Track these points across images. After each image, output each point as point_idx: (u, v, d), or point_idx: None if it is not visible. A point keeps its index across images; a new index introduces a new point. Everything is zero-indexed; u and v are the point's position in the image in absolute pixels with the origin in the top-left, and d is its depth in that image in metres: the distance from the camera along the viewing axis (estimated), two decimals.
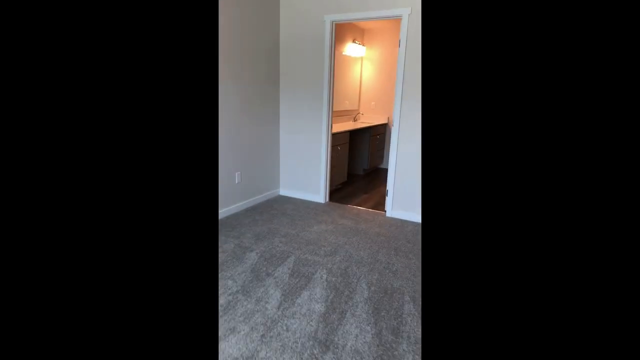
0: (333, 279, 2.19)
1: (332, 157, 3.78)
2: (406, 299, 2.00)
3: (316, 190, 3.75)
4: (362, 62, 5.53)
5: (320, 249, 2.61)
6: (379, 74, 5.46)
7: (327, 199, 3.79)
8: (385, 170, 5.50)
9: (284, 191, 3.95)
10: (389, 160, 3.31)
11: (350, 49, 5.05)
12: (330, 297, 1.99)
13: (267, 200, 3.73)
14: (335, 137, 3.94)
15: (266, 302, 1.92)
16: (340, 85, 5.01)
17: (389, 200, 3.35)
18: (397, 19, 4.58)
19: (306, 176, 3.78)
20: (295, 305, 1.91)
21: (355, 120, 5.44)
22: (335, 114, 5.08)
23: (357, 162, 5.22)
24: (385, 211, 3.43)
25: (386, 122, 5.53)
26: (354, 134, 5.02)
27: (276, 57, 3.56)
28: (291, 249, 2.59)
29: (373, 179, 4.96)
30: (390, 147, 3.28)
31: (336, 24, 3.31)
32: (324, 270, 2.29)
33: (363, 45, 5.32)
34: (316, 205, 3.64)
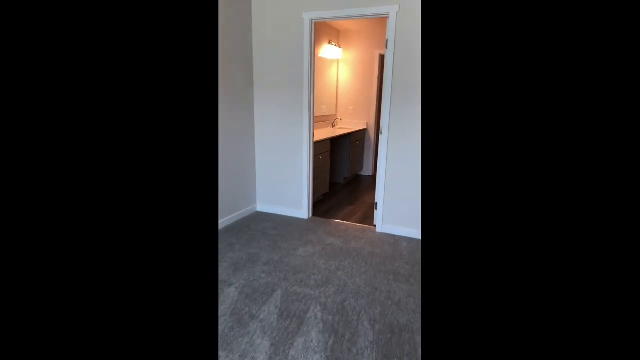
0: (330, 318, 1.86)
1: (314, 167, 3.47)
2: (417, 339, 1.71)
3: (298, 204, 3.41)
4: (339, 65, 5.26)
5: (309, 278, 2.27)
6: (356, 77, 5.21)
7: (311, 214, 3.46)
8: (367, 178, 5.25)
9: (262, 207, 3.58)
10: (378, 172, 3.04)
11: (327, 50, 4.76)
12: (330, 344, 1.66)
13: (243, 219, 3.35)
14: (317, 146, 3.63)
15: (253, 358, 1.56)
16: (317, 89, 4.70)
17: (378, 214, 3.08)
18: (382, 18, 4.35)
19: (286, 189, 3.43)
20: (289, 358, 1.56)
21: (333, 126, 5.16)
22: (314, 120, 4.77)
23: (338, 170, 4.94)
24: (375, 226, 3.15)
25: (365, 127, 5.29)
26: (334, 142, 4.73)
27: (249, 58, 3.20)
28: (276, 279, 2.24)
29: (355, 188, 4.69)
30: (379, 157, 3.01)
31: (315, 23, 3.01)
32: (318, 307, 1.96)
33: (339, 47, 5.06)
34: (299, 222, 3.31)
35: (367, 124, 5.30)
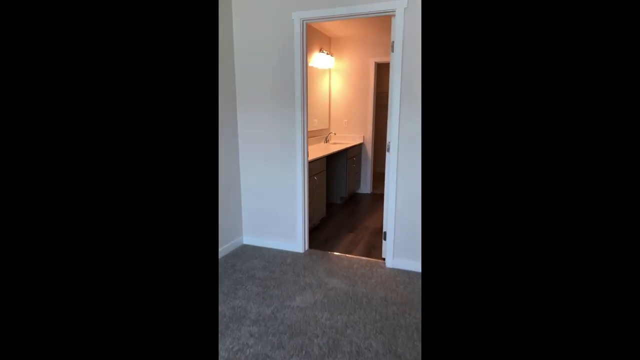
0: None
1: (309, 190, 2.99)
2: None
3: (291, 235, 2.91)
4: (331, 75, 4.85)
5: (312, 342, 1.76)
6: (350, 87, 4.80)
7: (307, 246, 2.96)
8: (365, 196, 4.79)
9: (249, 239, 3.07)
10: (386, 195, 2.57)
11: (318, 59, 4.34)
12: None
13: (227, 256, 2.82)
14: (312, 166, 3.16)
15: None
16: (309, 101, 4.26)
17: (388, 245, 2.60)
18: (378, 21, 3.96)
19: (277, 218, 2.93)
20: None
21: (327, 141, 4.71)
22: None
23: (335, 190, 4.47)
24: (385, 260, 2.67)
25: (361, 141, 4.86)
26: (330, 159, 4.27)
27: (229, 68, 2.74)
28: (269, 348, 1.72)
29: (354, 209, 4.22)
30: (387, 177, 2.55)
31: (307, 24, 2.57)
32: None
33: (331, 56, 4.65)
34: (293, 257, 2.80)
35: (363, 137, 4.87)
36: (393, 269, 2.59)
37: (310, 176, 3.16)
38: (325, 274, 2.51)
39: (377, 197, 4.74)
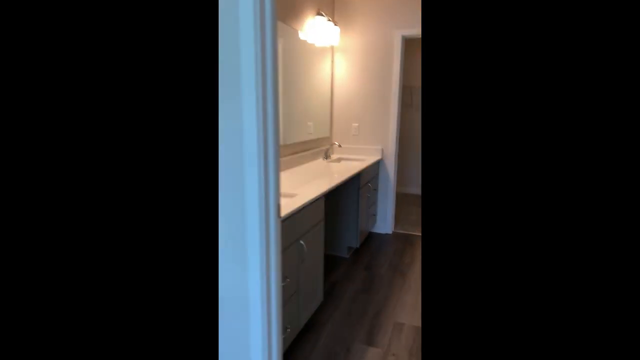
0: None
1: (280, 294, 1.38)
2: None
3: None
4: (334, 56, 3.23)
5: None
6: (363, 75, 3.18)
7: None
8: (384, 239, 3.15)
9: None
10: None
11: (313, 29, 2.73)
12: None
13: None
14: (298, 218, 1.53)
15: None
16: (293, 94, 2.64)
17: None
18: None
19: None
20: None
21: (327, 157, 3.08)
22: (287, 150, 2.68)
23: (339, 238, 2.84)
24: None
25: (380, 157, 3.23)
26: (334, 194, 2.65)
27: None
28: None
29: (371, 273, 2.58)
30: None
31: None
32: None
33: (335, 24, 3.03)
34: None
35: (382, 151, 3.24)
36: None
37: (294, 241, 1.54)
38: None
39: (403, 241, 3.10)
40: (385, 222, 3.36)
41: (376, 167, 3.16)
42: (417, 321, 1.96)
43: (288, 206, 1.52)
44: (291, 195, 1.78)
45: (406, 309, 2.07)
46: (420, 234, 3.35)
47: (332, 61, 3.22)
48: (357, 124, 3.28)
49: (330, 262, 2.72)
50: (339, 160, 3.20)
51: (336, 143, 3.22)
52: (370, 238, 3.24)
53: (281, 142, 2.44)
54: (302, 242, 1.64)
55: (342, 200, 2.75)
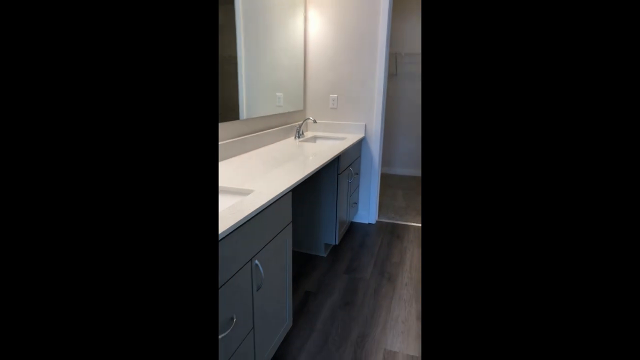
0: None
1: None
2: None
3: None
4: (307, 11, 2.64)
5: None
6: (342, 35, 2.62)
7: None
8: (368, 231, 2.71)
9: None
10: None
11: None
12: None
13: None
14: (252, 233, 1.03)
15: None
16: (256, 57, 2.08)
17: None
18: None
19: None
20: None
21: (300, 135, 2.55)
22: (247, 127, 2.14)
23: (314, 233, 2.37)
24: None
25: (362, 135, 2.73)
26: (307, 184, 2.13)
27: None
28: None
29: (353, 265, 2.14)
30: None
31: None
32: None
33: None
34: None
35: (365, 128, 2.75)
36: None
37: (245, 262, 1.04)
38: None
39: (389, 232, 2.67)
40: (368, 211, 2.91)
41: (358, 147, 2.67)
42: (413, 349, 1.54)
43: (238, 210, 1.01)
44: (245, 192, 1.27)
45: (398, 330, 1.65)
46: (408, 224, 2.93)
47: (305, 18, 2.63)
48: (335, 95, 2.75)
49: (304, 264, 2.25)
50: (314, 139, 2.68)
51: (311, 118, 2.69)
52: (352, 230, 2.79)
53: (242, 116, 1.89)
54: (257, 262, 1.14)
55: (317, 189, 2.26)
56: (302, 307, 1.82)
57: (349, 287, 2.00)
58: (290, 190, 1.34)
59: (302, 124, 2.59)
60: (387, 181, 4.17)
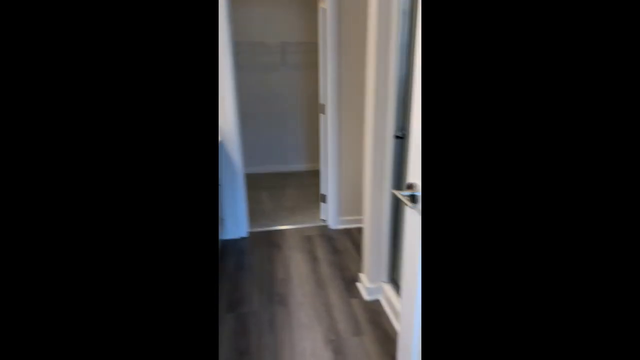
0: None
1: None
2: None
3: None
4: None
5: None
6: None
7: None
8: (239, 244, 2.35)
9: None
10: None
11: None
12: None
13: None
14: None
15: None
16: None
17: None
18: None
19: None
20: None
21: None
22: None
23: None
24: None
25: (218, 138, 2.31)
26: None
27: None
28: None
29: (236, 298, 1.78)
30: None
31: None
32: None
33: None
34: None
35: (218, 130, 2.32)
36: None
37: None
38: None
39: (265, 244, 2.39)
40: (237, 224, 2.53)
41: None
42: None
43: None
44: None
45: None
46: (282, 228, 2.70)
47: None
48: None
49: None
50: None
51: None
52: (223, 251, 2.37)
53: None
54: None
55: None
56: None
57: (238, 329, 1.64)
58: None
59: None
60: (247, 183, 3.84)
